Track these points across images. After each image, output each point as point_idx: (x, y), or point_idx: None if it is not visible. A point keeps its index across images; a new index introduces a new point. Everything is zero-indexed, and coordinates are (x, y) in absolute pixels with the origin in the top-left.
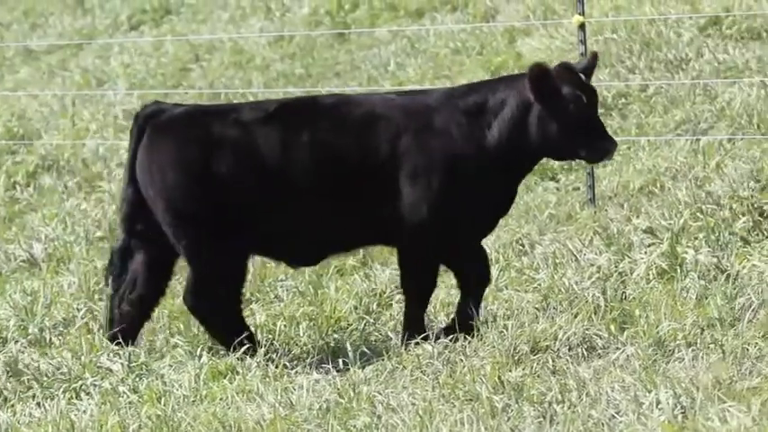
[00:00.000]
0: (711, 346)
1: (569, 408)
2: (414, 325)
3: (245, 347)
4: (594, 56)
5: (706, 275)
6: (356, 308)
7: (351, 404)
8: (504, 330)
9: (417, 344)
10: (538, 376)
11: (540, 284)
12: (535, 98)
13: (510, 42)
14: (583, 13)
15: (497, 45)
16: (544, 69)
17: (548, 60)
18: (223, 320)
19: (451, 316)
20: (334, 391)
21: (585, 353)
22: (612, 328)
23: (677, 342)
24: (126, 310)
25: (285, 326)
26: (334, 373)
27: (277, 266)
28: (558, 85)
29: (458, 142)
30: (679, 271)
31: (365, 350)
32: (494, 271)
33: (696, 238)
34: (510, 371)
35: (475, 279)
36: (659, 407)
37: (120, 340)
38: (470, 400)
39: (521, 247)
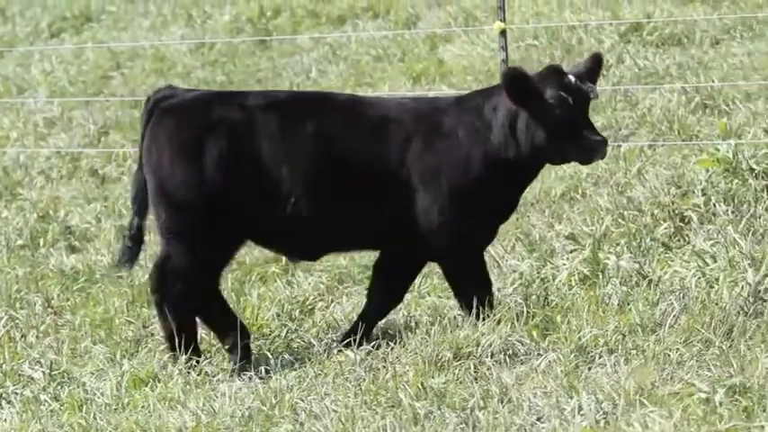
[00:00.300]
0: (633, 351)
1: (492, 414)
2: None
3: (188, 346)
4: (595, 57)
5: (628, 281)
6: (278, 315)
7: (273, 411)
8: (427, 337)
9: (339, 351)
10: (460, 382)
11: None
12: (513, 102)
13: (431, 49)
14: (504, 20)
15: (419, 52)
16: (517, 73)
17: (469, 66)
18: (182, 308)
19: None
20: (256, 398)
21: (508, 359)
22: (535, 334)
23: (599, 348)
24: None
25: (207, 333)
26: (257, 380)
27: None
28: (541, 89)
29: (461, 147)
30: (601, 277)
31: (287, 357)
32: (416, 278)
33: (618, 244)
34: (432, 377)
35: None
36: (581, 412)
37: None
38: (393, 406)
39: None
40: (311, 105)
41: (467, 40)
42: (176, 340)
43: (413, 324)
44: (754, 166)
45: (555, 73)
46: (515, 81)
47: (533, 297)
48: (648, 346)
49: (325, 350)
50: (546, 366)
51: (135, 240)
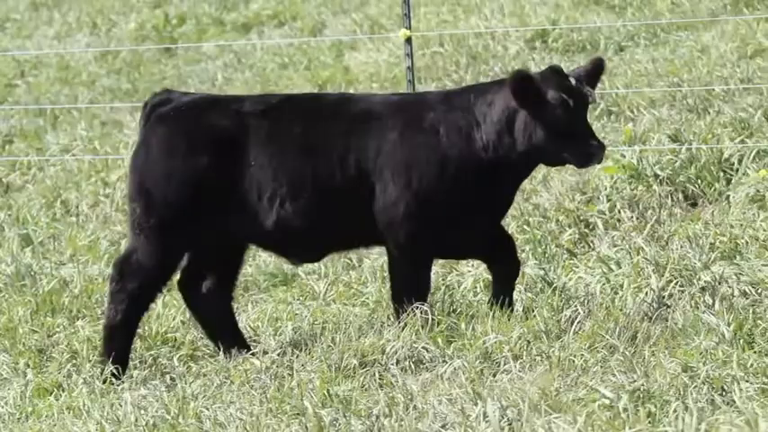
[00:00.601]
0: (538, 358)
1: (397, 421)
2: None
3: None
4: (596, 61)
5: (533, 288)
6: (183, 323)
7: (178, 420)
8: (332, 344)
9: (245, 359)
10: (366, 390)
11: (367, 298)
12: (518, 104)
13: (337, 56)
14: (409, 28)
15: (324, 59)
16: (525, 75)
17: (374, 74)
18: (130, 307)
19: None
20: (161, 406)
21: (413, 366)
22: (440, 341)
23: (504, 354)
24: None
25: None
26: (162, 388)
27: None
28: (544, 90)
29: (445, 141)
30: None
31: (192, 365)
32: (321, 286)
33: (523, 251)
34: (338, 384)
35: (501, 273)
36: (486, 419)
37: None
38: (298, 414)
39: (348, 261)
40: (299, 106)
41: (372, 47)
42: (113, 336)
43: (318, 331)
44: (659, 173)
45: (557, 74)
46: (523, 82)
47: (438, 304)
48: (553, 353)
49: (230, 358)
50: (451, 373)
51: None
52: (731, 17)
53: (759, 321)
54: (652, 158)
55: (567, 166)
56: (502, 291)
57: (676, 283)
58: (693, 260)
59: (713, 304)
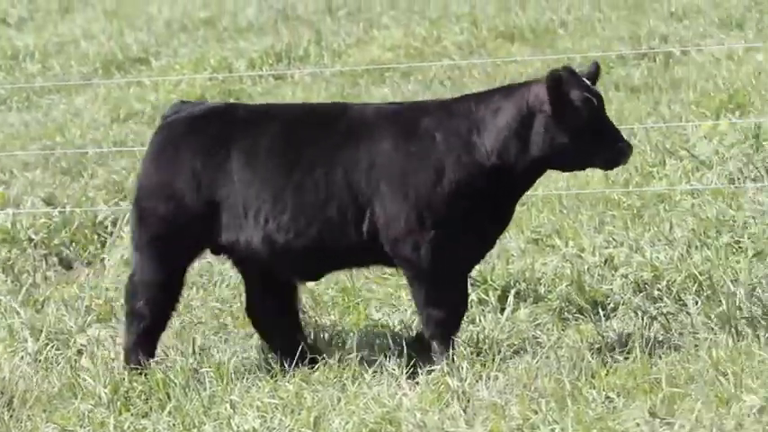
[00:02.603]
0: None
1: None
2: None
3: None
4: (595, 65)
5: None
6: None
7: None
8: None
9: None
10: None
11: None
12: (552, 106)
13: None
14: None
15: None
16: (559, 76)
17: None
18: (142, 325)
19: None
20: None
21: None
22: None
23: None
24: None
25: None
26: None
27: None
28: (568, 91)
29: (443, 151)
30: None
31: None
32: None
33: None
34: None
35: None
36: None
37: None
38: None
39: None
40: (292, 116)
41: None
42: (131, 360)
43: None
44: (33, 236)
45: (575, 75)
46: (560, 84)
47: None
48: None
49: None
50: None
51: None
52: (103, 81)
53: (134, 383)
54: (26, 222)
55: None
56: None
57: (53, 347)
58: (69, 323)
59: (95, 366)
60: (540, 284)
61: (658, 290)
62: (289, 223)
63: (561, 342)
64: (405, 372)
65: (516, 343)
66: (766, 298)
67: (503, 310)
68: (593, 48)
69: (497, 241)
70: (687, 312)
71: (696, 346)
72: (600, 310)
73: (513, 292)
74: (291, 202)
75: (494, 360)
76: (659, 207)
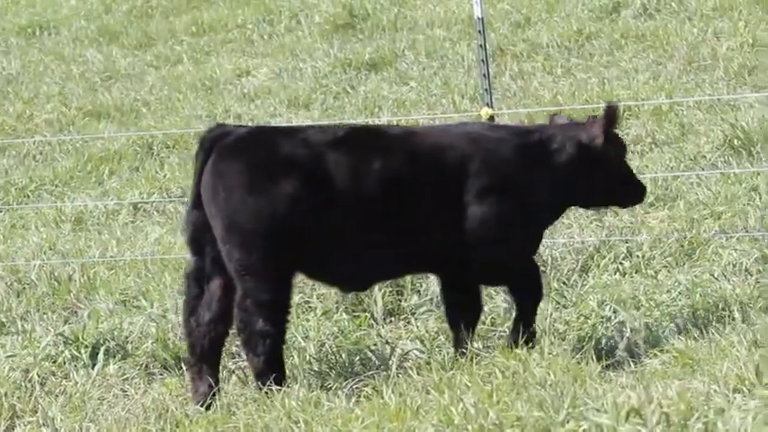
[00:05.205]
0: None
1: None
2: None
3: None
4: (616, 105)
5: None
6: None
7: None
8: None
9: None
10: None
11: None
12: (604, 141)
13: None
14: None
15: None
16: (619, 111)
17: None
18: (268, 343)
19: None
20: None
21: None
22: None
23: None
24: (203, 332)
25: None
26: None
27: None
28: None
29: (517, 177)
30: None
31: None
32: None
33: None
34: None
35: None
36: None
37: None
38: None
39: None
40: (367, 139)
41: None
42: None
43: None
44: None
45: (614, 114)
46: (616, 119)
47: None
48: None
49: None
50: None
51: (198, 282)
52: None
53: None
54: None
55: None
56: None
57: None
58: None
59: None
60: (128, 342)
61: (236, 346)
62: (374, 239)
63: (148, 395)
64: None
65: (107, 396)
66: (333, 352)
67: (94, 365)
68: (174, 126)
69: None
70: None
71: (271, 398)
72: (183, 366)
73: (102, 349)
74: (380, 218)
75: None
76: None
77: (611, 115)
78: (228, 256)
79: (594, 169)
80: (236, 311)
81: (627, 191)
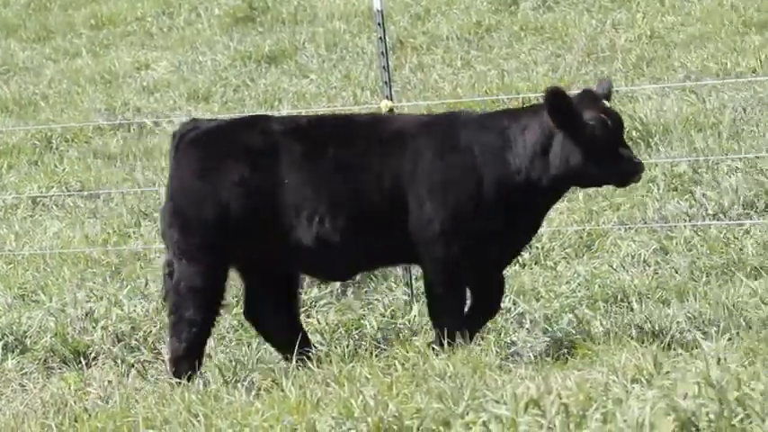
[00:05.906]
0: None
1: None
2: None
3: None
4: (609, 81)
5: None
6: None
7: None
8: None
9: None
10: None
11: None
12: (554, 122)
13: None
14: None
15: None
16: (559, 91)
17: None
18: (193, 332)
19: None
20: None
21: None
22: None
23: None
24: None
25: None
26: None
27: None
28: (580, 111)
29: (478, 163)
30: None
31: None
32: None
33: None
34: None
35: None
36: None
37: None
38: None
39: None
40: (328, 127)
41: None
42: (180, 368)
43: None
44: None
45: (591, 96)
46: (558, 99)
47: None
48: None
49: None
50: None
51: (172, 276)
52: None
53: None
54: None
55: None
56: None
57: None
58: None
59: None
60: (27, 337)
61: (136, 340)
62: (338, 227)
63: (47, 389)
64: None
65: (5, 391)
66: (234, 345)
67: None
68: (73, 119)
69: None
70: (162, 360)
71: (172, 390)
72: (82, 360)
73: (0, 343)
74: (341, 207)
75: None
76: (136, 264)
77: (550, 99)
78: (170, 239)
79: (565, 150)
80: (170, 294)
81: (615, 169)
